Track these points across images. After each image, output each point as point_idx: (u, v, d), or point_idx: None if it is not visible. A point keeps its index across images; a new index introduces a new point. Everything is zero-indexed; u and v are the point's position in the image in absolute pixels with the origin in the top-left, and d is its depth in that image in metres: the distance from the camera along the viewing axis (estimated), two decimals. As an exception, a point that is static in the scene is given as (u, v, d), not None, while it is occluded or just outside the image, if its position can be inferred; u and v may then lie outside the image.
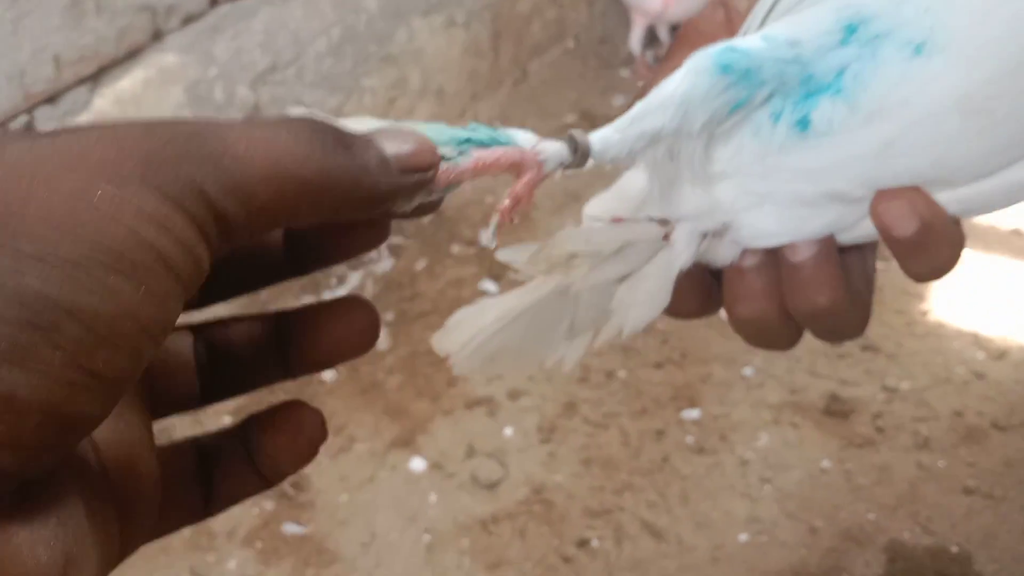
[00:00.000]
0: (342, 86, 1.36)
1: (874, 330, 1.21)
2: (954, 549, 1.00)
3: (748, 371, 1.18)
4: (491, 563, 1.04)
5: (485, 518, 1.08)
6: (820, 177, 0.32)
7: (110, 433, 0.24)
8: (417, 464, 1.14)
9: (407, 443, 1.17)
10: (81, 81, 1.06)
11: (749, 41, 0.31)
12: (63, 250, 0.18)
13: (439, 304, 1.36)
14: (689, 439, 1.12)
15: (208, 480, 0.28)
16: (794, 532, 1.02)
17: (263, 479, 0.28)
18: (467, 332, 0.36)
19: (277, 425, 0.28)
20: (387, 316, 1.34)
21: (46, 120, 1.03)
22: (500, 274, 1.39)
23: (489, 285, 1.38)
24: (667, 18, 1.82)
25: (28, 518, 0.20)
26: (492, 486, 1.11)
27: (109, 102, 1.08)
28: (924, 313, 1.25)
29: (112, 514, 0.23)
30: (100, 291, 0.18)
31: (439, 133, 0.27)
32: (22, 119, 1.01)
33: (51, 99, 1.03)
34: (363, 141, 0.23)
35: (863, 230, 0.33)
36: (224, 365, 0.29)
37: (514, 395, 1.21)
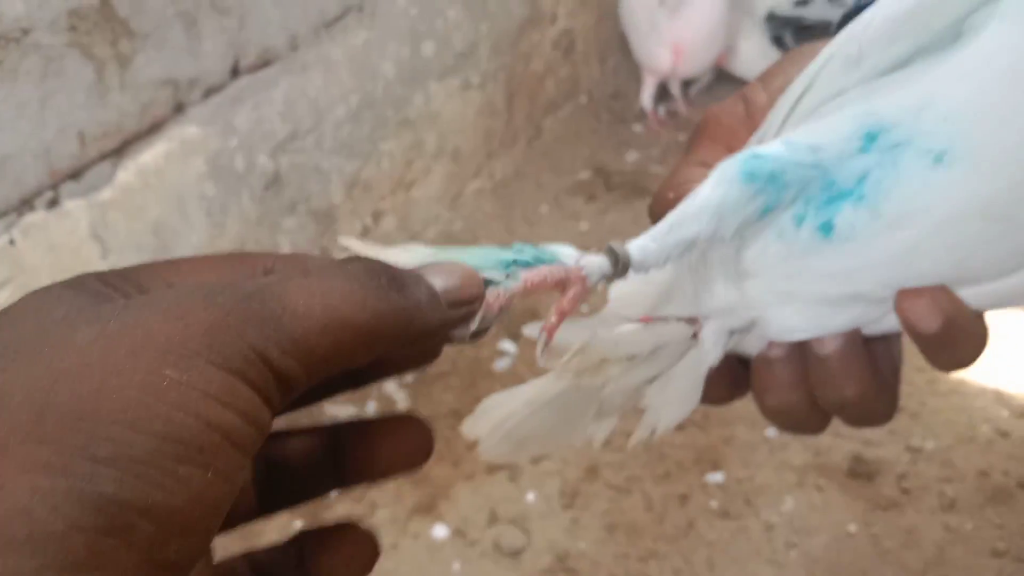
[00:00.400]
0: (360, 151, 1.38)
1: (896, 389, 1.20)
2: (986, 615, 0.98)
3: (771, 432, 1.18)
4: (516, 634, 1.03)
5: (509, 587, 1.07)
6: (844, 279, 0.32)
7: None
8: (440, 531, 1.14)
9: (429, 509, 1.16)
10: (104, 156, 1.07)
11: (771, 147, 0.32)
12: (135, 450, 0.19)
13: (458, 364, 1.36)
14: (713, 503, 1.11)
15: None
16: (823, 600, 1.00)
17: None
18: (496, 417, 0.37)
19: (332, 545, 0.29)
20: (406, 378, 1.34)
21: (71, 195, 1.04)
22: (518, 334, 1.40)
23: (508, 346, 1.38)
24: (677, 75, 1.84)
25: None
26: (516, 554, 1.10)
27: (132, 175, 1.10)
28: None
29: None
30: (171, 484, 0.19)
31: (485, 258, 0.28)
32: (47, 195, 1.02)
33: (75, 175, 1.05)
34: (414, 279, 0.24)
35: (888, 324, 0.33)
36: (281, 478, 0.30)
37: (536, 459, 1.20)
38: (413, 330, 0.23)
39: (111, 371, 0.19)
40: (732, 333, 0.35)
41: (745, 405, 1.22)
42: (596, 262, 0.31)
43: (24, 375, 0.19)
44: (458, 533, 1.13)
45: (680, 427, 1.24)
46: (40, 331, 0.20)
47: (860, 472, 1.12)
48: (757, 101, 0.36)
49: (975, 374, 1.23)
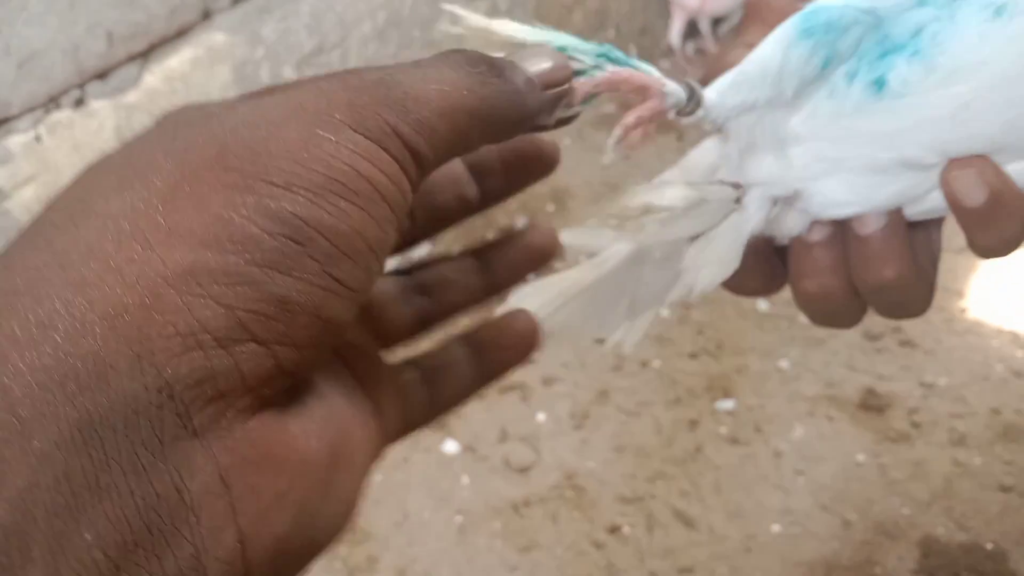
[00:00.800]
0: (385, 70, 1.37)
1: (912, 326, 1.20)
2: (989, 546, 0.99)
3: (784, 363, 1.18)
4: (522, 546, 1.04)
5: (517, 501, 1.08)
6: (893, 141, 0.32)
7: (358, 347, 0.28)
8: (450, 446, 1.15)
9: (441, 425, 1.18)
10: (132, 58, 1.07)
11: (826, 2, 0.32)
12: (304, 181, 0.22)
13: (475, 289, 1.37)
14: (723, 430, 1.12)
15: (432, 383, 0.32)
16: (827, 524, 1.01)
17: (482, 377, 0.32)
18: (530, 307, 0.37)
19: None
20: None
21: (97, 95, 1.04)
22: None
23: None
24: (706, 12, 1.81)
25: (300, 412, 0.23)
26: (524, 470, 1.12)
27: (159, 79, 1.10)
28: (963, 310, 1.24)
29: (367, 415, 0.27)
30: (337, 213, 0.22)
31: (577, 45, 0.30)
32: (74, 93, 1.03)
33: (102, 75, 1.05)
34: (510, 65, 0.26)
35: (932, 203, 0.33)
36: (438, 298, 0.34)
37: (548, 381, 1.21)
38: (516, 112, 0.26)
39: (275, 125, 0.22)
40: (775, 202, 0.35)
41: (759, 336, 1.23)
42: (675, 87, 0.32)
43: (202, 129, 0.23)
44: (468, 449, 1.15)
45: (693, 356, 1.25)
46: (202, 111, 0.24)
47: (872, 405, 1.13)
48: None
49: (993, 315, 1.23)
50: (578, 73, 0.29)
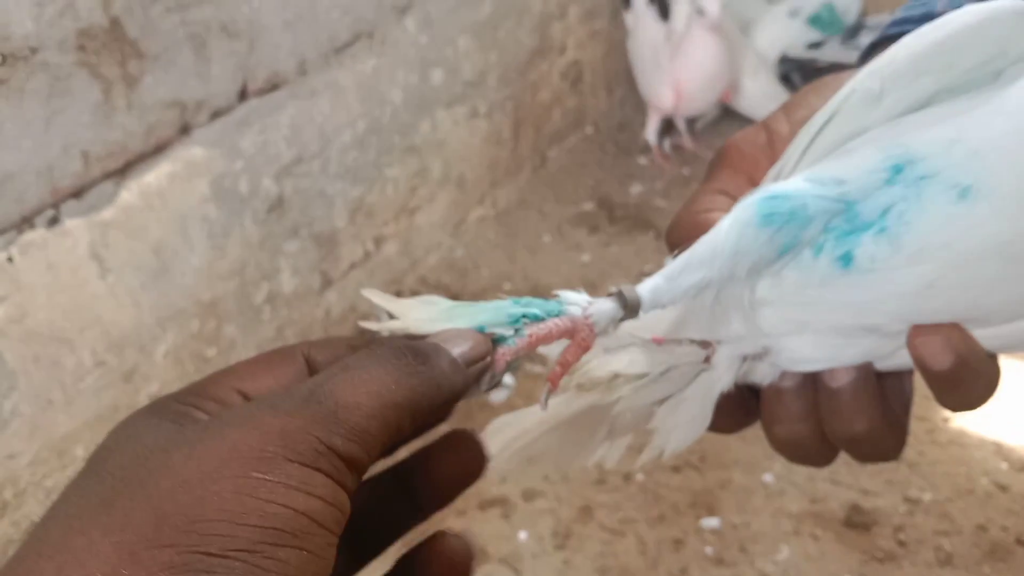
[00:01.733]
0: (365, 177, 1.37)
1: (895, 438, 1.19)
2: (981, 675, 0.97)
3: (768, 478, 1.17)
4: (503, 676, 1.01)
5: (498, 627, 1.05)
6: (859, 311, 0.32)
7: None
8: (429, 566, 1.12)
9: (420, 544, 1.15)
10: (108, 175, 1.07)
11: (792, 184, 0.32)
12: (241, 542, 0.22)
13: (454, 396, 1.35)
14: (708, 550, 1.10)
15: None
16: (816, 653, 0.99)
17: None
18: (507, 436, 0.37)
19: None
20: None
21: (72, 214, 1.03)
22: (516, 365, 1.39)
23: (506, 378, 1.36)
24: (680, 113, 1.84)
25: None
26: (506, 593, 1.09)
27: (135, 195, 1.09)
28: (946, 420, 1.24)
29: None
30: (275, 567, 0.22)
31: (496, 314, 0.30)
32: (48, 213, 1.02)
33: (77, 193, 1.04)
34: (434, 349, 0.27)
35: (899, 359, 0.33)
36: (365, 530, 0.32)
37: (529, 496, 1.19)
38: (443, 397, 0.27)
39: (208, 482, 0.23)
40: (744, 359, 0.35)
41: (742, 449, 1.21)
42: (605, 309, 0.31)
43: (139, 496, 0.23)
44: (448, 569, 1.12)
45: (676, 469, 1.23)
46: (139, 459, 0.24)
47: (857, 522, 1.11)
48: (779, 131, 0.36)
49: (975, 425, 1.23)
50: (499, 340, 0.29)
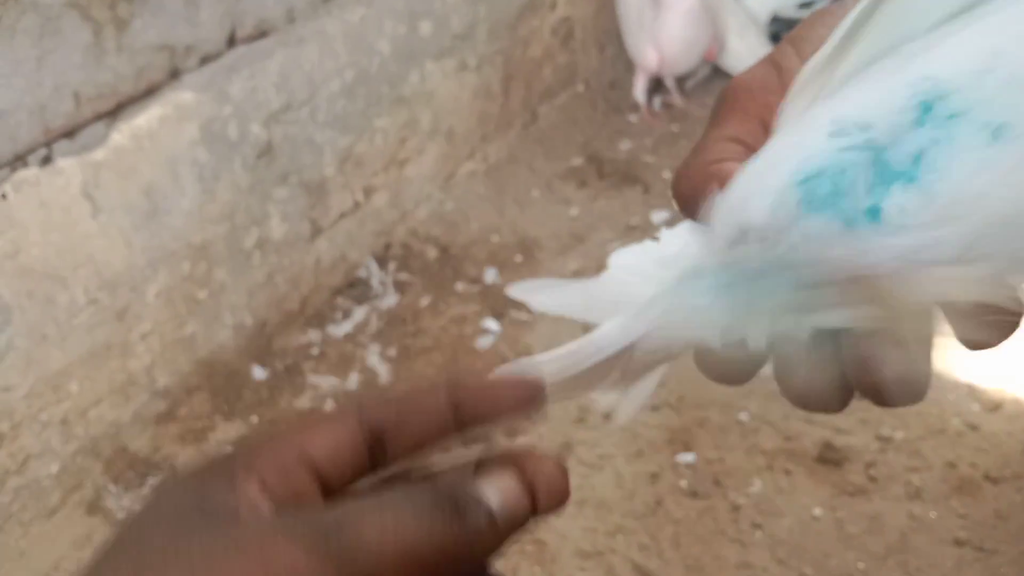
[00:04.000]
0: (354, 126, 1.40)
1: (870, 379, 1.22)
2: (944, 601, 1.00)
3: (744, 416, 1.20)
4: (482, 601, 1.05)
5: (478, 556, 1.09)
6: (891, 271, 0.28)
7: None
8: (413, 500, 1.16)
9: (404, 478, 1.18)
10: (99, 117, 1.09)
11: (815, 146, 0.28)
12: None
13: (441, 340, 1.38)
14: (683, 483, 1.13)
15: None
16: (784, 579, 1.02)
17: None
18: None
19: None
20: (389, 351, 1.36)
21: (64, 154, 1.06)
22: (502, 312, 1.42)
23: (491, 324, 1.40)
24: (666, 71, 1.85)
25: None
26: (486, 524, 1.12)
27: (126, 137, 1.12)
28: (920, 364, 1.26)
29: None
30: None
31: None
32: (41, 152, 1.04)
33: (69, 134, 1.07)
34: (475, 504, 0.26)
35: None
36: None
37: (511, 432, 1.22)
38: (472, 558, 0.26)
39: None
40: None
41: (719, 389, 1.24)
42: None
43: None
44: (432, 502, 1.15)
45: (655, 408, 1.26)
46: (140, 566, 0.25)
47: (829, 458, 1.14)
48: (790, 67, 0.32)
49: (949, 368, 1.25)
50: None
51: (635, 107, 1.92)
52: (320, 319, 1.42)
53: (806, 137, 0.28)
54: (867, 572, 1.02)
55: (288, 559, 0.24)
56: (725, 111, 0.32)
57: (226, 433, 1.27)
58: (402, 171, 1.53)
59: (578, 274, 1.53)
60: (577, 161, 1.78)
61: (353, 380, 1.32)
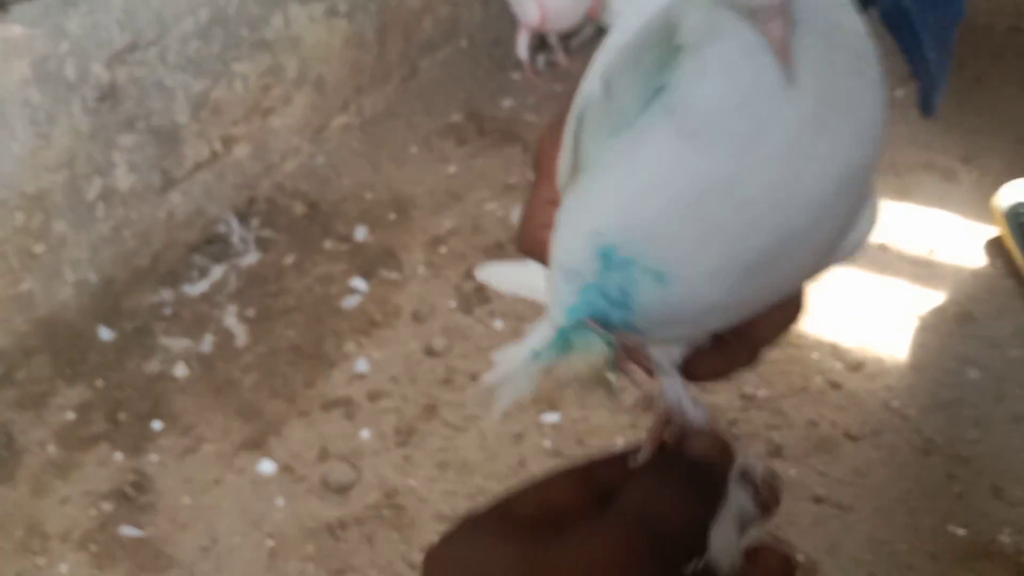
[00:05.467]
0: (210, 70, 1.31)
1: (737, 339, 1.21)
2: (800, 557, 1.00)
3: (611, 376, 1.17)
4: (335, 570, 1.00)
5: (333, 523, 1.04)
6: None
7: None
8: (266, 467, 1.10)
9: (257, 445, 1.12)
10: (-92, 48, 0.99)
11: (564, 294, 0.32)
12: None
13: (305, 300, 1.32)
14: (547, 443, 1.10)
15: None
16: (644, 539, 1.01)
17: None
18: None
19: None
20: (248, 312, 1.29)
21: None
22: (371, 271, 1.36)
23: (359, 283, 1.34)
24: (548, 30, 1.81)
25: None
26: (343, 490, 1.07)
27: (-59, 72, 1.01)
28: (788, 323, 1.27)
29: None
30: None
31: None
32: None
33: None
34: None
35: None
36: None
37: (374, 396, 1.18)
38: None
39: None
40: None
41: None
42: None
43: None
44: (286, 469, 1.10)
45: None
46: None
47: (694, 418, 1.13)
48: None
49: (813, 327, 1.26)
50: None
51: (518, 65, 1.87)
52: (174, 277, 1.33)
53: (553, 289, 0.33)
54: (726, 530, 1.02)
55: None
56: (541, 172, 0.34)
57: (68, 399, 1.18)
58: (266, 121, 1.45)
59: (452, 233, 1.48)
60: (457, 118, 1.73)
61: (207, 342, 1.25)
